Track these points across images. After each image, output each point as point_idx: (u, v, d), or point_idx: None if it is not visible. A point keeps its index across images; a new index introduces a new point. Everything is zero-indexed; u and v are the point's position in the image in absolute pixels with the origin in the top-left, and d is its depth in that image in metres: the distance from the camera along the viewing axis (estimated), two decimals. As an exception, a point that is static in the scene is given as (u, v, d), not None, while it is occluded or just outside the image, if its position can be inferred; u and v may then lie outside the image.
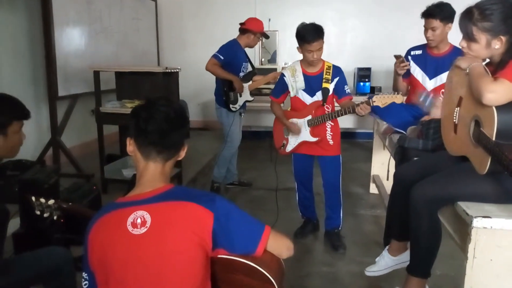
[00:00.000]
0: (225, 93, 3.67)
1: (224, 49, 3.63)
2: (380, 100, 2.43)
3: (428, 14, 2.57)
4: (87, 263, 1.18)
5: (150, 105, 1.23)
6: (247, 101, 3.76)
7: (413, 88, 2.80)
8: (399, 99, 2.42)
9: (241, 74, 3.71)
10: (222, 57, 3.57)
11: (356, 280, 2.44)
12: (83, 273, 1.20)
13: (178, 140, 1.26)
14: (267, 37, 3.79)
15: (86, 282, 1.19)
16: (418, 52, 2.78)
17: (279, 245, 1.24)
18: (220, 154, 3.84)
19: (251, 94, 3.83)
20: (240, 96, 3.70)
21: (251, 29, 3.62)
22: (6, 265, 1.67)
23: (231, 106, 3.70)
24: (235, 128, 3.75)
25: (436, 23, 2.54)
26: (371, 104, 2.46)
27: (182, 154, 1.30)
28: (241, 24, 3.69)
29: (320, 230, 3.07)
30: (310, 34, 2.57)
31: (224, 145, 3.80)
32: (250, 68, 3.79)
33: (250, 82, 3.73)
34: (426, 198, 1.74)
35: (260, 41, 6.02)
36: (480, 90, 1.52)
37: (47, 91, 4.05)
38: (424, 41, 2.71)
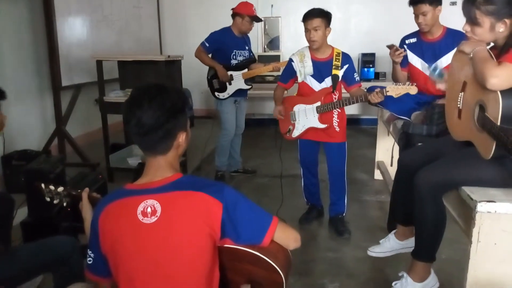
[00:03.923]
0: (208, 81, 3.68)
1: (211, 36, 3.62)
2: (394, 91, 2.41)
3: (416, 0, 2.54)
4: (95, 243, 1.20)
5: (129, 102, 1.19)
6: (241, 89, 3.69)
7: (413, 77, 2.78)
8: (414, 90, 2.39)
9: (234, 61, 3.66)
10: (207, 44, 3.59)
11: (361, 265, 2.46)
12: (89, 251, 1.23)
13: (165, 135, 1.19)
14: (257, 20, 3.66)
15: (91, 259, 1.22)
16: (413, 40, 2.75)
17: (286, 236, 1.25)
18: (217, 143, 3.86)
19: (252, 81, 3.80)
20: (230, 84, 3.65)
21: (238, 12, 3.57)
22: (14, 253, 1.70)
23: (216, 94, 3.69)
24: (228, 116, 3.73)
25: (426, 7, 2.51)
26: (385, 94, 2.44)
27: (182, 143, 1.25)
28: (232, 9, 3.64)
29: (324, 216, 3.08)
30: (308, 12, 2.60)
31: (220, 133, 3.82)
32: (247, 56, 3.74)
33: (245, 70, 3.67)
34: (431, 183, 1.74)
35: (263, 28, 6.02)
36: (484, 75, 1.50)
37: (51, 81, 4.07)
38: (417, 28, 2.69)
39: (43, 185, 1.55)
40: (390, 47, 2.67)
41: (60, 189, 1.54)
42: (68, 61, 4.07)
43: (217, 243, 1.19)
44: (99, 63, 3.67)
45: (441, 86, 2.01)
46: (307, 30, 2.62)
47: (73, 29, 4.22)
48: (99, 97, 3.71)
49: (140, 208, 1.14)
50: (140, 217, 1.13)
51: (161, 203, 1.14)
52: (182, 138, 1.25)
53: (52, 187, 1.54)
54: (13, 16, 3.92)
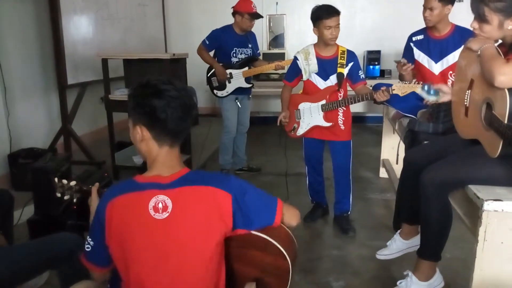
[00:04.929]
0: (207, 79, 3.70)
1: (211, 34, 3.64)
2: (400, 89, 2.39)
3: None
4: (98, 231, 1.20)
5: (158, 92, 1.18)
6: (241, 87, 3.69)
7: (420, 74, 2.76)
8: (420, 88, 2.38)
9: (234, 59, 3.66)
10: (208, 42, 3.62)
11: (366, 263, 2.46)
12: (88, 237, 1.23)
13: (190, 125, 1.27)
14: (256, 17, 3.61)
15: (89, 246, 1.23)
16: (420, 37, 2.74)
17: (290, 214, 1.30)
18: (220, 141, 3.88)
19: (257, 79, 3.79)
20: (229, 82, 3.66)
21: (237, 10, 3.56)
22: (16, 249, 1.71)
23: (215, 91, 3.70)
24: (228, 114, 3.74)
25: (435, 3, 2.50)
26: (391, 92, 2.42)
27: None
28: (232, 7, 3.63)
29: (329, 214, 3.08)
30: (327, 10, 2.58)
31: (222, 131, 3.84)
32: (249, 54, 3.72)
33: (246, 68, 3.67)
34: (436, 181, 1.73)
35: (268, 25, 6.00)
36: (492, 72, 1.49)
37: (57, 79, 4.08)
38: (423, 25, 2.68)
39: (56, 179, 1.55)
40: (398, 62, 2.67)
41: (73, 183, 1.54)
42: (73, 59, 4.08)
43: (227, 235, 1.21)
44: (104, 62, 3.68)
45: (443, 100, 1.99)
46: (329, 28, 2.58)
47: (78, 28, 4.23)
48: (105, 95, 3.72)
49: (151, 204, 1.15)
50: (151, 212, 1.14)
51: (172, 199, 1.16)
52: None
53: (65, 181, 1.54)
54: (19, 14, 3.94)
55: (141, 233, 1.15)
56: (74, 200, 1.55)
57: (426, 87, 2.00)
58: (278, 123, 2.87)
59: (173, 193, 1.16)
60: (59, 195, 1.55)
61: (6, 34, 3.77)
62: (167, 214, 1.14)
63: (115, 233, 1.17)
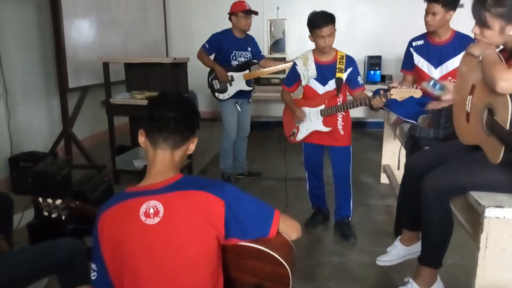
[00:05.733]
0: (208, 82, 3.71)
1: (211, 37, 3.67)
2: (398, 94, 2.39)
3: None
4: (98, 254, 1.18)
5: (160, 96, 1.30)
6: (242, 90, 3.70)
7: (420, 79, 2.76)
8: (418, 93, 2.37)
9: (234, 62, 3.67)
10: (207, 46, 3.64)
11: (366, 269, 2.44)
12: (92, 264, 1.21)
13: (185, 128, 1.26)
14: (251, 13, 3.62)
15: (95, 273, 1.19)
16: (420, 42, 2.75)
17: (288, 227, 1.28)
18: (220, 145, 3.88)
19: (258, 83, 3.79)
20: (231, 85, 3.67)
21: (232, 11, 3.60)
22: (17, 254, 1.70)
23: (216, 94, 3.71)
24: (228, 117, 3.74)
25: (438, 8, 2.50)
26: (388, 97, 2.41)
27: (192, 147, 1.31)
28: (228, 13, 3.66)
29: (330, 220, 3.07)
30: (320, 20, 2.56)
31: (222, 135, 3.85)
32: (249, 57, 3.73)
33: (247, 71, 3.68)
34: (438, 187, 1.72)
35: (269, 30, 6.02)
36: (494, 78, 1.48)
37: (58, 83, 4.09)
38: (423, 30, 2.69)
39: (40, 199, 1.54)
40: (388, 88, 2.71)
41: (58, 201, 1.53)
42: (75, 63, 4.09)
43: (221, 242, 1.19)
44: (105, 65, 3.69)
45: (446, 97, 2.00)
46: (321, 37, 2.58)
47: (80, 31, 4.25)
48: (106, 99, 3.72)
49: (142, 210, 1.14)
50: (143, 218, 1.13)
51: (164, 203, 1.15)
52: (194, 142, 1.31)
53: (50, 201, 1.53)
54: (21, 17, 3.95)
55: (134, 239, 1.13)
56: (63, 217, 1.54)
57: (432, 82, 2.05)
58: (301, 118, 2.81)
59: (165, 198, 1.15)
60: (46, 213, 1.55)
61: (7, 38, 3.78)
62: (159, 219, 1.13)
63: (107, 243, 1.16)
